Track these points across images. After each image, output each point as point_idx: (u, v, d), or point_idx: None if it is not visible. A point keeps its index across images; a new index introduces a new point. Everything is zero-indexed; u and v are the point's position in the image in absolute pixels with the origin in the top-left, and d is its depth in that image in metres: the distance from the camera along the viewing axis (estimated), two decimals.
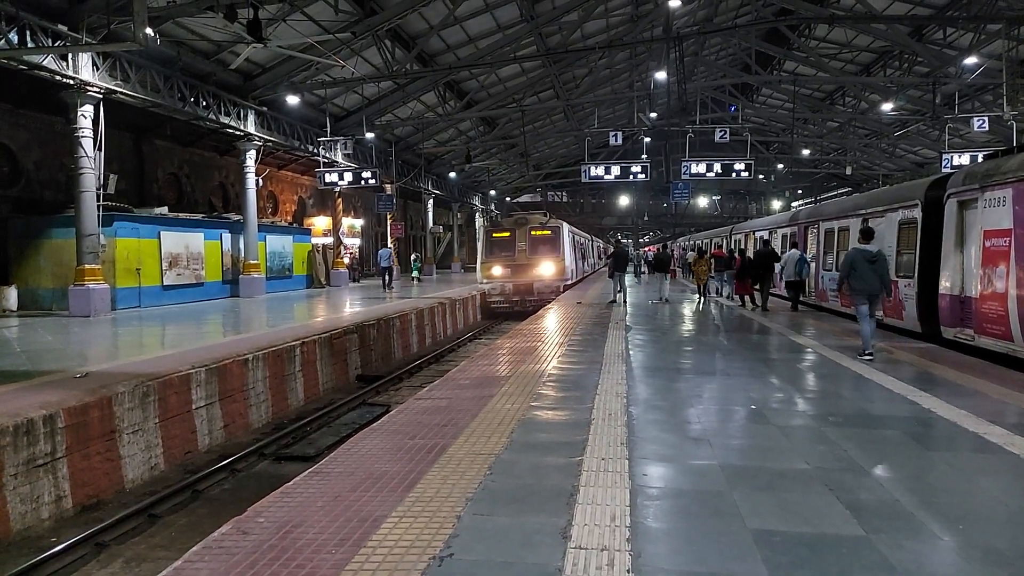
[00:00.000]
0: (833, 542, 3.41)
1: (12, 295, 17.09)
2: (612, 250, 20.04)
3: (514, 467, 4.59)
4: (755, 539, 3.44)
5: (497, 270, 24.64)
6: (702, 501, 3.99)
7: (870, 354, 8.83)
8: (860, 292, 8.87)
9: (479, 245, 27.11)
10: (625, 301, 18.41)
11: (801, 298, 16.42)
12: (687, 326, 13.35)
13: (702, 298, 18.93)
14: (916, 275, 11.53)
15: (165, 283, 19.32)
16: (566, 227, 26.24)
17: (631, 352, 9.70)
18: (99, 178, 15.70)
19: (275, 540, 3.51)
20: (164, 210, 20.33)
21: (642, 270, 36.54)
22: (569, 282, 25.82)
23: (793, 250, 16.61)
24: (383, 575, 3.10)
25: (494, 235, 25.61)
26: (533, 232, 24.97)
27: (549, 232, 25.08)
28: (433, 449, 5.04)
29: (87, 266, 15.67)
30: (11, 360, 9.73)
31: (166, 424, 8.33)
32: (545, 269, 24.36)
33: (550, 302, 20.31)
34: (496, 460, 4.73)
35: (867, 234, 9.33)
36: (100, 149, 15.63)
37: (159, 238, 19.12)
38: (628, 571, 3.09)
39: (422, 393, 7.20)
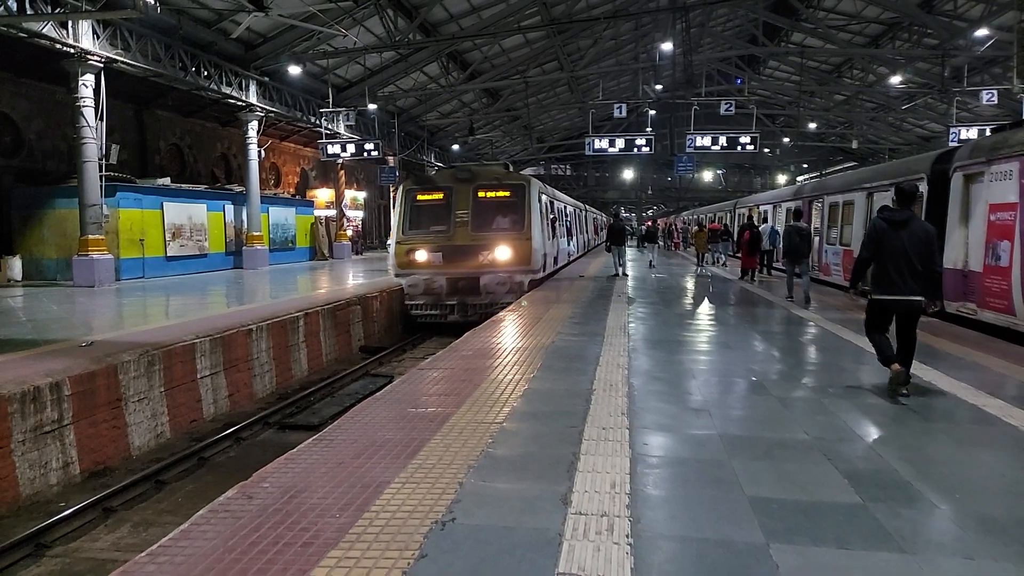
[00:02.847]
0: (830, 510, 3.45)
1: (16, 265, 17.16)
2: (609, 225, 19.97)
3: (516, 436, 4.64)
4: (753, 506, 3.48)
5: (421, 255, 15.52)
6: (701, 469, 4.03)
7: (790, 298, 12.62)
8: (790, 257, 12.74)
9: (394, 215, 16.64)
10: (626, 274, 18.43)
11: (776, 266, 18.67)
12: (689, 299, 13.37)
13: (699, 267, 20.90)
14: None
15: (168, 254, 19.36)
16: (536, 186, 16.34)
17: (633, 324, 9.73)
18: (101, 148, 15.65)
19: (280, 504, 3.56)
20: (166, 181, 20.29)
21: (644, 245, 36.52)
22: (539, 275, 16.17)
23: (764, 224, 19.37)
24: (386, 538, 3.15)
25: (419, 198, 15.99)
26: (481, 194, 15.69)
27: (508, 193, 15.74)
28: (436, 418, 5.08)
29: (90, 236, 15.69)
30: (17, 329, 9.80)
31: (171, 393, 8.41)
32: (500, 253, 15.22)
33: (508, 305, 12.97)
34: (498, 429, 4.78)
35: (797, 215, 13.35)
36: (102, 119, 15.54)
37: (162, 209, 19.11)
38: (627, 536, 3.14)
39: (425, 364, 7.24)
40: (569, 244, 24.56)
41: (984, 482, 3.87)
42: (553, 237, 18.94)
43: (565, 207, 24.29)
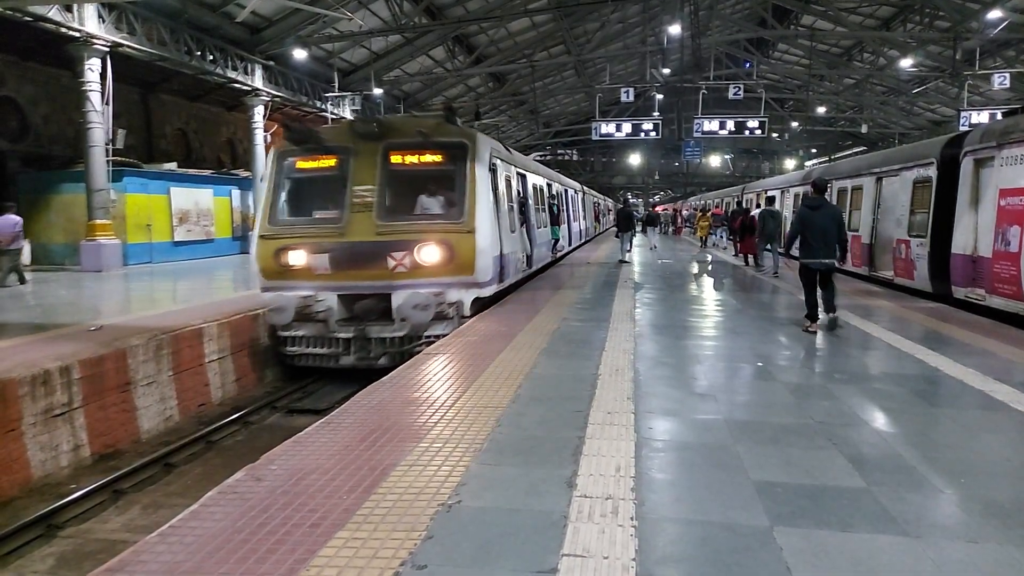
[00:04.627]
0: (834, 493, 3.46)
1: (26, 250, 17.23)
2: (618, 210, 19.92)
3: (521, 419, 4.66)
4: (757, 490, 3.50)
5: (297, 258, 9.59)
6: (706, 454, 4.04)
7: (760, 268, 15.20)
8: (763, 238, 14.90)
9: (263, 192, 10.30)
10: (630, 260, 18.39)
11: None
12: (695, 285, 13.34)
13: (702, 249, 22.58)
14: (929, 235, 11.41)
15: (176, 239, 19.42)
16: (487, 146, 10.47)
17: (639, 310, 9.72)
18: (108, 133, 15.67)
19: (287, 486, 3.60)
20: (173, 166, 20.31)
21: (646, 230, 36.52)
22: (491, 288, 10.08)
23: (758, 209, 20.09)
24: (393, 519, 3.18)
25: (299, 166, 10.08)
26: (396, 158, 9.76)
27: (441, 157, 9.81)
28: (442, 402, 5.11)
29: (98, 221, 15.75)
30: (26, 313, 9.88)
31: (180, 377, 8.47)
32: (425, 255, 9.40)
33: (441, 339, 8.18)
34: (504, 413, 4.80)
35: (770, 200, 15.91)
36: (108, 103, 15.55)
37: (169, 194, 19.15)
38: (632, 518, 3.16)
39: (431, 348, 7.26)
40: (553, 237, 17.96)
41: (990, 467, 3.87)
42: (524, 227, 13.29)
43: (548, 185, 18.23)
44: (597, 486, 3.53)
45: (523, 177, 14.03)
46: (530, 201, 14.40)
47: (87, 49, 15.04)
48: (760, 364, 6.40)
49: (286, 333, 9.79)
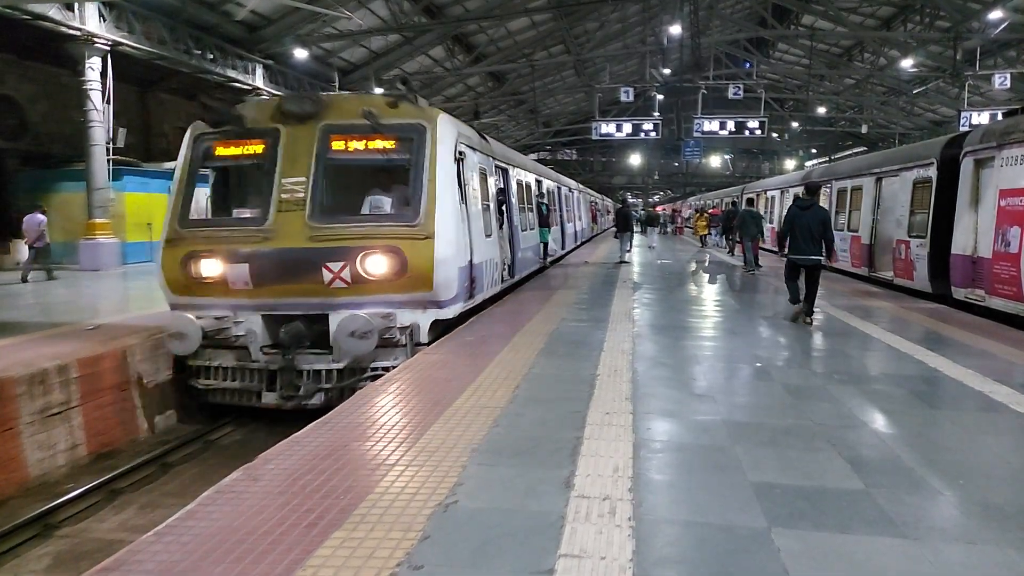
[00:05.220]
0: (833, 495, 3.45)
1: (24, 248, 17.21)
2: (616, 209, 19.88)
3: (519, 420, 4.65)
4: (756, 492, 3.49)
5: (211, 268, 7.64)
6: (704, 455, 4.03)
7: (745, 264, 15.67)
8: (746, 235, 15.83)
9: (173, 183, 8.38)
10: (630, 260, 18.39)
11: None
12: (694, 285, 13.33)
13: (703, 247, 23.61)
14: (928, 235, 11.41)
15: None
16: (451, 130, 8.39)
17: (638, 310, 9.71)
18: (108, 131, 15.65)
19: (284, 486, 3.58)
20: (172, 165, 20.25)
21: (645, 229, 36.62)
22: (454, 307, 8.20)
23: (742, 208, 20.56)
24: (390, 520, 3.17)
25: (218, 152, 8.21)
26: (338, 143, 7.84)
27: (392, 142, 7.86)
28: (439, 402, 5.09)
29: (97, 220, 15.73)
30: (24, 312, 9.86)
31: (178, 377, 8.44)
32: (371, 266, 7.44)
33: (388, 371, 6.71)
34: (501, 413, 4.79)
35: (750, 201, 17.97)
36: (109, 102, 15.53)
37: (168, 193, 19.09)
38: (629, 519, 3.15)
39: (429, 348, 7.25)
40: (542, 240, 16.20)
41: (989, 469, 3.86)
42: (504, 230, 11.73)
43: (537, 182, 16.55)
44: (595, 487, 3.52)
45: (504, 171, 12.30)
46: (513, 200, 12.67)
47: (88, 48, 15.03)
48: (759, 365, 6.39)
49: (197, 362, 7.84)
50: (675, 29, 26.93)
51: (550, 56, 32.83)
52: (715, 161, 65.43)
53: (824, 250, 8.66)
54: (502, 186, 12.01)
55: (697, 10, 25.32)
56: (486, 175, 10.41)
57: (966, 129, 20.59)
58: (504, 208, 11.87)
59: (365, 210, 8.07)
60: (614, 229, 21.45)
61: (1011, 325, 8.50)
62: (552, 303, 10.30)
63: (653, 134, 24.21)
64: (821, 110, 43.56)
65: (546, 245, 16.63)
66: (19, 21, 14.05)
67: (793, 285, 8.90)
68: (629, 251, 18.47)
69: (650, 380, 5.75)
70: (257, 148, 7.98)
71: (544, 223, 16.19)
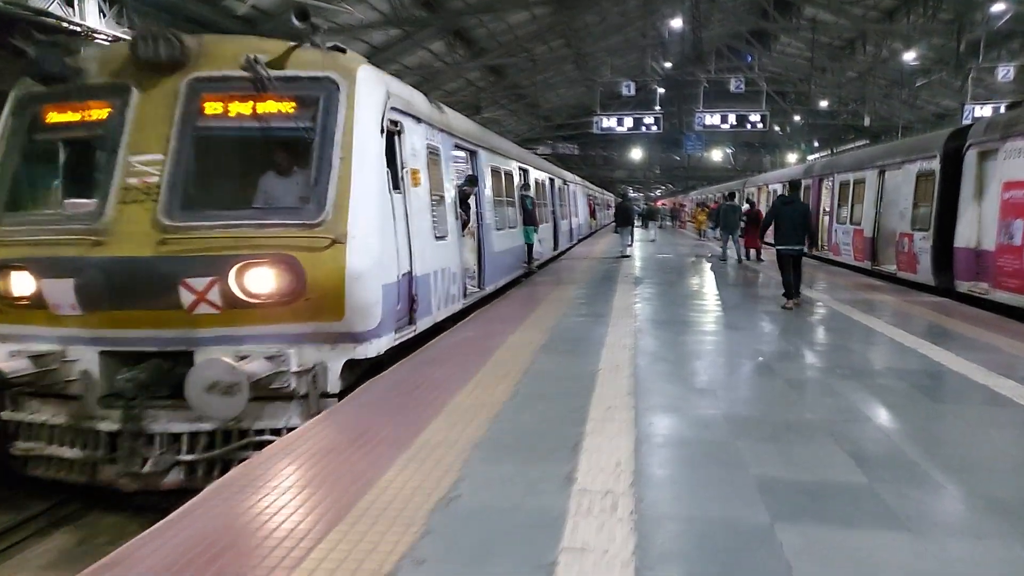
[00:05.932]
0: (836, 490, 3.43)
1: None
2: (617, 204, 19.81)
3: (521, 415, 4.63)
4: (758, 487, 3.47)
5: (23, 284, 5.26)
6: (706, 450, 4.01)
7: (724, 260, 16.53)
8: (725, 228, 16.78)
9: None
10: (631, 255, 18.38)
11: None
12: (695, 280, 13.30)
13: (701, 237, 24.24)
14: (932, 228, 11.36)
15: None
16: (379, 86, 6.09)
17: (639, 305, 9.69)
18: None
19: (284, 482, 3.57)
20: None
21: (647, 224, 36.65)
22: (381, 342, 5.74)
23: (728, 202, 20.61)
24: (391, 515, 3.16)
25: (49, 119, 5.71)
26: (212, 106, 5.45)
27: (292, 105, 5.48)
28: (440, 399, 5.08)
29: None
30: None
31: None
32: (251, 283, 5.11)
33: (278, 436, 4.92)
34: (502, 409, 4.77)
35: (730, 196, 18.21)
36: None
37: None
38: (631, 513, 3.14)
39: (428, 345, 7.23)
40: (526, 241, 13.73)
41: (993, 463, 3.84)
42: (470, 230, 9.87)
43: (522, 171, 14.32)
44: (596, 482, 3.51)
45: (473, 154, 10.16)
46: (487, 191, 10.53)
47: (89, 45, 14.99)
48: (760, 359, 6.37)
49: (14, 417, 5.49)
50: (676, 22, 26.84)
51: (550, 50, 32.69)
52: (717, 155, 65.13)
53: (807, 241, 9.58)
54: (471, 174, 9.98)
55: (698, 3, 25.20)
56: (438, 156, 8.16)
57: (969, 122, 20.50)
58: (473, 201, 9.83)
59: (257, 203, 5.69)
60: (613, 224, 21.36)
61: (1015, 318, 8.47)
62: (553, 299, 10.27)
63: (654, 128, 24.17)
64: (823, 103, 43.35)
65: (531, 247, 13.97)
66: (19, 17, 14.01)
67: (787, 277, 9.43)
68: (630, 245, 18.44)
69: (651, 375, 5.73)
70: (100, 113, 5.61)
71: (529, 221, 13.72)
